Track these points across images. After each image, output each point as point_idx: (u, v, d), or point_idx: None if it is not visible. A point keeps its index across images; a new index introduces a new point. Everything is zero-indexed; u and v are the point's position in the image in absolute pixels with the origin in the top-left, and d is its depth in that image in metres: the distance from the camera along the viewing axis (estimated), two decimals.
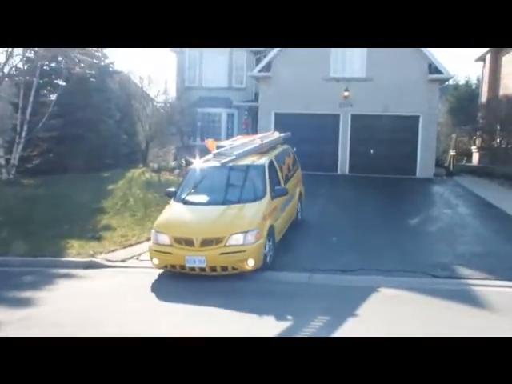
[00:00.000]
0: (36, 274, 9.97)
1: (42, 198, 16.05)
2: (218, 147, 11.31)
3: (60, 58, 20.26)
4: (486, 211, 14.93)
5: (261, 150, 11.21)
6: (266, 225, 9.41)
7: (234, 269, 8.95)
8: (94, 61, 20.72)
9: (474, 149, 28.34)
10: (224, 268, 8.93)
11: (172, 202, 10.34)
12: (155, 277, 9.60)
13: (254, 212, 9.48)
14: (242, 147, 11.13)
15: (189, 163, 16.36)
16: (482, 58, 31.01)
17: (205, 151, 21.42)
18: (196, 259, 8.82)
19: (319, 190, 16.68)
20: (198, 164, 11.17)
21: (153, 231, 9.59)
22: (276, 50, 21.40)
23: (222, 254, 8.82)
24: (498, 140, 23.81)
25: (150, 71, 45.75)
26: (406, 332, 6.57)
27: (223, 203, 9.74)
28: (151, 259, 9.44)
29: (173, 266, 9.18)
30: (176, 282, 9.22)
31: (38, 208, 14.69)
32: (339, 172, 21.63)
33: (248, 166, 10.44)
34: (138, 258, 10.84)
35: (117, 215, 14.28)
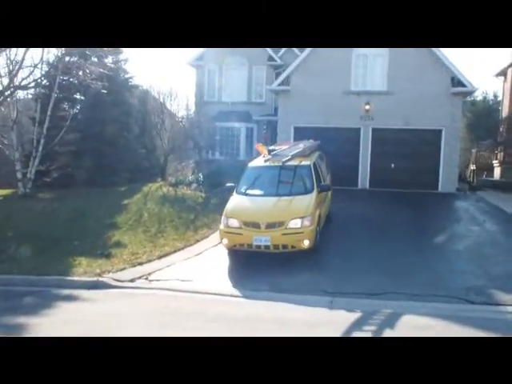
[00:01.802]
0: (37, 294, 9.03)
1: (56, 212, 15.18)
2: (269, 151, 12.54)
3: (80, 73, 19.36)
4: None
5: (304, 154, 12.16)
6: (316, 213, 10.65)
7: (292, 247, 10.12)
8: (108, 72, 19.67)
9: (495, 163, 27.03)
10: (285, 246, 10.11)
11: (234, 194, 11.53)
12: (163, 299, 8.62)
13: (307, 202, 10.68)
14: (291, 150, 12.28)
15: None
16: (503, 73, 29.84)
17: (224, 165, 20.69)
18: (262, 239, 10.05)
19: (340, 205, 15.54)
20: (254, 163, 12.58)
21: (223, 217, 10.81)
22: (295, 63, 20.43)
23: (284, 234, 10.05)
24: None
25: (170, 86, 44.88)
26: None
27: (277, 195, 11.00)
28: (221, 240, 10.83)
29: (241, 245, 10.41)
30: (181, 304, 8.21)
31: (49, 223, 13.82)
32: (360, 186, 20.43)
33: (296, 166, 11.59)
34: (147, 278, 9.85)
35: (129, 231, 13.32)
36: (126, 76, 24.06)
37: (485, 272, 9.71)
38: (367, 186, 20.42)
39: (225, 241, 10.66)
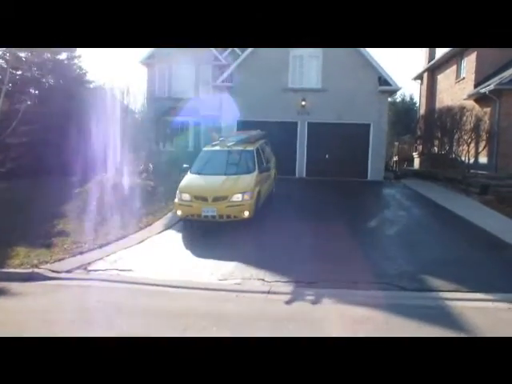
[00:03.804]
0: None
1: (5, 202, 13.34)
2: (219, 137, 13.43)
3: (34, 68, 17.33)
4: (438, 213, 12.91)
5: (250, 141, 12.82)
6: (256, 189, 11.03)
7: (235, 217, 10.49)
8: (58, 66, 17.73)
9: (415, 155, 26.77)
10: (228, 216, 10.48)
11: (188, 173, 11.85)
12: (97, 291, 7.22)
13: (248, 180, 11.12)
14: (237, 137, 13.09)
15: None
16: (420, 77, 29.63)
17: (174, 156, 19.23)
18: (209, 210, 10.43)
19: (279, 192, 14.54)
20: (207, 148, 12.97)
21: (177, 192, 11.04)
22: (237, 62, 19.18)
23: (228, 206, 10.44)
24: (436, 148, 22.07)
25: (123, 82, 42.43)
26: None
27: (224, 174, 11.33)
28: (176, 211, 11.06)
29: (192, 215, 10.72)
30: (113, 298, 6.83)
31: None
32: (297, 175, 19.45)
33: (242, 150, 12.15)
34: (85, 269, 8.34)
35: (75, 219, 11.68)
36: (80, 72, 21.99)
37: (415, 257, 8.81)
38: (304, 175, 19.49)
39: (179, 212, 10.92)
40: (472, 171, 17.81)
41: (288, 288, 7.18)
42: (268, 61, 18.69)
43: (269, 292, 7.01)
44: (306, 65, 19.17)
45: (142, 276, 7.93)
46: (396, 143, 28.08)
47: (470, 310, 6.23)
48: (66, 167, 18.43)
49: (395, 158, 27.16)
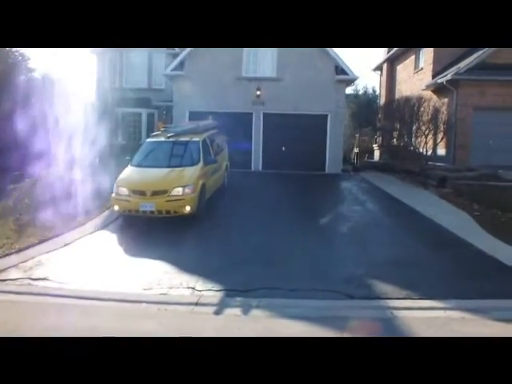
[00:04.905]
0: None
1: None
2: (164, 127, 12.75)
3: None
4: (394, 208, 12.17)
5: (197, 131, 12.07)
6: (199, 183, 10.29)
7: (175, 212, 9.79)
8: None
9: (375, 147, 26.28)
10: (168, 211, 9.77)
11: (129, 165, 11.14)
12: None
13: (191, 173, 10.37)
14: (182, 127, 12.63)
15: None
16: (380, 68, 29.14)
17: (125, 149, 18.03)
18: (147, 205, 9.70)
19: (231, 185, 13.63)
20: (150, 138, 12.42)
21: (115, 185, 10.25)
22: (188, 49, 17.88)
23: (167, 201, 9.73)
24: (395, 139, 21.48)
25: (70, 71, 40.48)
26: None
27: (168, 166, 10.68)
28: (113, 206, 10.29)
29: (130, 211, 10.00)
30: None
31: None
32: (253, 169, 18.48)
33: (187, 141, 11.44)
34: None
35: None
36: (22, 58, 20.36)
37: (365, 257, 8.03)
38: (260, 168, 18.55)
39: (116, 207, 10.21)
40: (430, 163, 17.28)
41: (219, 298, 6.23)
42: (221, 48, 17.57)
43: (196, 304, 6.06)
44: (261, 53, 18.11)
45: (57, 286, 6.84)
46: (357, 135, 27.52)
47: (420, 322, 5.45)
48: (8, 161, 17.00)
49: (356, 150, 26.58)
